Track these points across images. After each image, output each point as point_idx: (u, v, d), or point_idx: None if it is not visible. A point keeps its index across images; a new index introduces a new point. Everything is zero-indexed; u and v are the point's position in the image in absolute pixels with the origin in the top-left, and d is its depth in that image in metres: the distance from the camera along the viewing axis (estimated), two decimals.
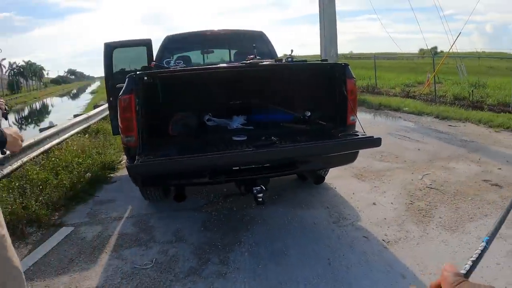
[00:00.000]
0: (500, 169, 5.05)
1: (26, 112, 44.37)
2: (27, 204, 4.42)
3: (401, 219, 3.66)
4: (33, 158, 6.05)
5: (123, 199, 4.72)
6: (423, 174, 4.97)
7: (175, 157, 2.88)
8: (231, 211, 4.03)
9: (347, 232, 3.42)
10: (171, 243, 3.46)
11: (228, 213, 3.99)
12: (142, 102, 3.14)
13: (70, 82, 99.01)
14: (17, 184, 5.01)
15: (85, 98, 43.56)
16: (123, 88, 3.16)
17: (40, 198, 4.63)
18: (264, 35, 5.49)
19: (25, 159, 5.67)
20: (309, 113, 3.69)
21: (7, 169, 5.25)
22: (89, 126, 9.02)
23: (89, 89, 72.57)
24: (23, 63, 78.24)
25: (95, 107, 12.08)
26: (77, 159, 6.04)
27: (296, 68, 3.78)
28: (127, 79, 3.20)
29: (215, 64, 4.75)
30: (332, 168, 4.30)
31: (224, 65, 4.50)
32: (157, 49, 5.42)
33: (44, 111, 40.63)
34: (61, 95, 63.97)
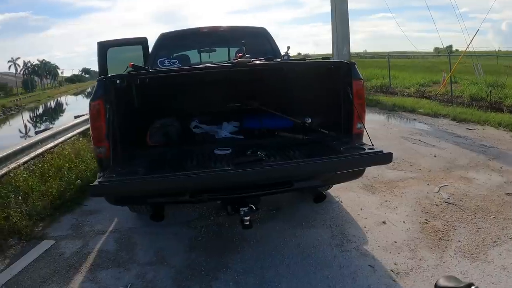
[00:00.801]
0: None
1: (38, 111, 44.99)
2: (9, 214, 4.16)
3: (414, 242, 3.20)
4: (24, 163, 5.80)
5: (111, 210, 4.30)
6: (439, 186, 4.48)
7: (137, 178, 2.45)
8: (222, 227, 3.64)
9: (351, 259, 2.97)
10: (151, 265, 3.09)
11: (219, 230, 3.60)
12: (114, 109, 2.79)
13: (85, 81, 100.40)
14: (1, 192, 4.77)
15: None
16: (93, 93, 2.82)
17: (24, 208, 4.36)
18: (266, 31, 5.08)
19: (13, 164, 5.42)
20: (309, 120, 3.26)
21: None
22: (88, 128, 8.75)
23: None
24: (37, 62, 79.94)
25: None
26: (68, 164, 5.77)
27: (292, 68, 3.33)
28: (96, 83, 2.86)
29: (212, 63, 4.36)
30: None
31: (207, 65, 4.10)
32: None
33: (57, 110, 41.10)
34: (75, 94, 64.69)
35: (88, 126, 8.60)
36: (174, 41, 5.01)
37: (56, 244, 3.75)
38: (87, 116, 9.00)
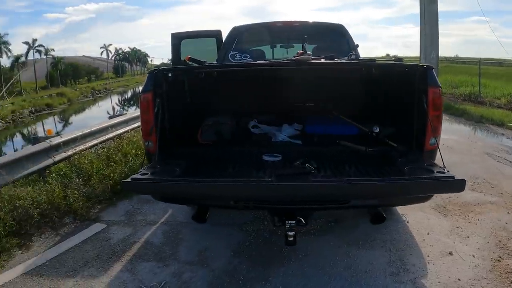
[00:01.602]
0: None
1: (124, 95, 49.34)
2: (68, 194, 4.55)
3: (481, 284, 2.75)
4: (92, 146, 6.33)
5: None
6: None
7: (167, 180, 2.44)
8: (274, 235, 3.46)
9: None
10: (191, 265, 3.06)
11: (269, 237, 3.44)
12: (165, 103, 2.81)
13: None
14: (64, 172, 5.26)
15: None
16: (143, 85, 2.87)
17: (83, 190, 4.67)
18: (343, 28, 4.80)
19: (81, 147, 5.96)
20: (377, 129, 2.98)
21: (60, 156, 5.51)
22: None
23: None
24: (128, 50, 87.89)
25: None
26: (134, 151, 6.14)
27: (359, 69, 3.00)
28: (147, 76, 2.89)
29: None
30: None
31: (265, 61, 3.97)
32: None
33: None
34: None
35: None
36: (246, 35, 4.97)
37: (106, 228, 3.95)
38: None
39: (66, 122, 30.55)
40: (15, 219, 3.93)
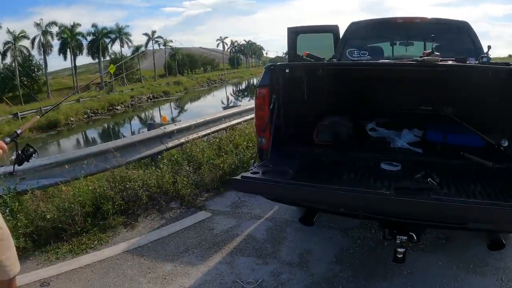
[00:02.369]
0: None
1: (238, 86, 51.62)
2: (178, 180, 4.92)
3: None
4: (204, 135, 6.74)
5: None
6: None
7: (274, 181, 2.48)
8: (380, 245, 3.34)
9: None
10: (291, 266, 3.10)
11: (375, 247, 3.31)
12: (280, 99, 2.89)
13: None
14: (175, 159, 5.67)
15: None
16: (260, 80, 2.96)
17: (192, 177, 5.05)
18: (469, 26, 4.45)
19: (193, 135, 6.38)
20: (506, 143, 2.66)
21: (173, 143, 6.00)
22: None
23: None
24: (244, 42, 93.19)
25: None
26: (246, 143, 6.36)
27: (494, 73, 2.71)
28: (264, 70, 2.98)
29: (406, 59, 4.05)
30: None
31: (387, 61, 3.75)
32: None
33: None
34: None
35: None
36: (364, 31, 4.91)
37: (211, 217, 4.22)
38: None
39: (181, 109, 33.16)
40: (124, 199, 4.39)
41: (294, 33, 5.51)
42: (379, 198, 2.20)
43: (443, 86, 3.15)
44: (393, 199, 2.16)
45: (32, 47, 46.51)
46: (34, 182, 4.52)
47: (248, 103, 9.42)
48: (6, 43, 44.03)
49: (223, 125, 7.39)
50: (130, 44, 56.68)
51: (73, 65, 50.40)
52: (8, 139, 1.98)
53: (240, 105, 9.10)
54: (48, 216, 3.95)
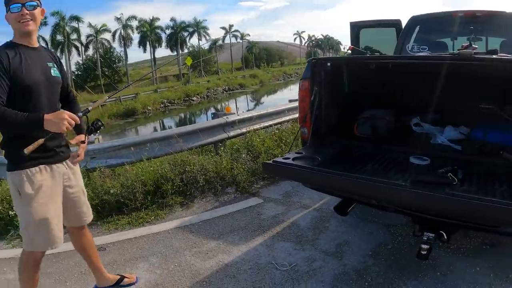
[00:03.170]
0: None
1: None
2: (235, 167, 5.21)
3: None
4: (267, 126, 6.99)
5: None
6: None
7: (298, 166, 2.63)
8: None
9: None
10: (325, 254, 3.24)
11: (415, 245, 3.30)
12: (322, 92, 3.03)
13: None
14: (236, 147, 5.98)
15: None
16: (303, 73, 3.13)
17: (250, 165, 5.32)
18: None
19: (255, 126, 6.65)
20: None
21: (234, 132, 6.34)
22: None
23: None
24: (321, 37, 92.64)
25: None
26: None
27: None
28: (307, 64, 3.15)
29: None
30: None
31: (423, 54, 3.66)
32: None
33: None
34: None
35: None
36: (425, 25, 4.90)
37: (262, 204, 4.45)
38: None
39: (255, 102, 33.66)
40: (183, 181, 4.77)
41: (357, 28, 5.64)
42: (391, 188, 2.26)
43: (485, 81, 3.08)
44: (403, 189, 2.21)
45: (113, 40, 50.36)
46: (103, 161, 5.06)
47: None
48: (88, 36, 47.78)
49: (287, 118, 7.58)
50: (207, 37, 58.79)
51: (152, 57, 53.34)
52: (80, 114, 2.31)
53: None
54: (112, 191, 4.42)
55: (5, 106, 2.07)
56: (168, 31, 54.10)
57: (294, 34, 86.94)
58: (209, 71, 58.86)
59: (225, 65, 66.50)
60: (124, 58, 51.68)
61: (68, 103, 2.61)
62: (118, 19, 49.18)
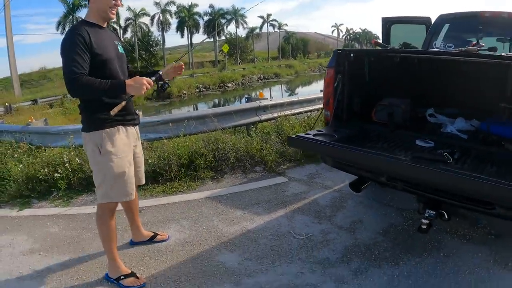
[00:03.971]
0: None
1: None
2: (264, 147, 5.54)
3: None
4: (297, 113, 7.28)
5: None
6: None
7: (317, 141, 2.95)
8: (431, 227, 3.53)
9: None
10: (339, 229, 3.52)
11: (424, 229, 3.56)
12: (345, 79, 3.32)
13: None
14: (267, 130, 6.31)
15: None
16: (329, 62, 3.44)
17: (278, 147, 5.63)
18: None
19: (286, 112, 6.96)
20: None
21: (266, 116, 6.68)
22: None
23: None
24: (359, 30, 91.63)
25: None
26: None
27: None
28: (332, 53, 3.44)
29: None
30: None
31: (435, 49, 3.84)
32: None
33: None
34: None
35: None
36: (452, 24, 5.02)
37: (287, 182, 4.77)
38: None
39: (289, 91, 33.81)
40: (215, 157, 5.15)
41: (388, 23, 5.82)
42: (390, 160, 2.55)
43: (493, 78, 3.25)
44: (402, 163, 2.49)
45: (152, 24, 51.49)
46: (142, 135, 5.46)
47: None
48: (127, 19, 48.93)
49: (317, 106, 7.83)
50: (245, 25, 59.13)
51: (189, 42, 54.13)
52: (153, 78, 2.68)
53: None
54: (149, 161, 4.83)
55: (87, 76, 2.43)
56: (206, 18, 54.78)
57: (332, 26, 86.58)
58: (245, 59, 59.27)
59: (261, 53, 66.68)
60: (161, 42, 52.68)
61: (131, 74, 2.97)
62: (157, 3, 50.16)
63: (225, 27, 57.55)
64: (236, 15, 56.53)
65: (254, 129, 6.43)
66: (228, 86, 34.32)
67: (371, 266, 2.96)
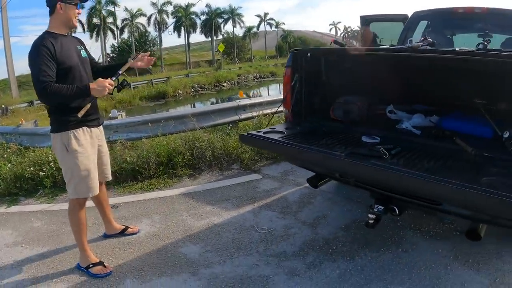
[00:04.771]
0: None
1: None
2: (241, 145, 5.64)
3: None
4: (279, 112, 7.42)
5: None
6: None
7: (262, 137, 3.07)
8: (393, 224, 3.60)
9: None
10: (302, 224, 3.65)
11: (386, 225, 3.58)
12: (302, 78, 3.44)
13: None
14: (246, 129, 6.45)
15: None
16: (287, 61, 3.54)
17: None
18: None
19: (267, 111, 7.10)
20: (507, 134, 2.68)
21: (245, 115, 6.82)
22: None
23: None
24: (357, 28, 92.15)
25: None
26: None
27: (484, 63, 2.67)
28: (290, 53, 3.55)
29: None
30: None
31: (386, 47, 3.91)
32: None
33: None
34: None
35: None
36: (426, 20, 5.10)
37: (260, 179, 4.91)
38: None
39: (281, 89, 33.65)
40: (193, 155, 5.26)
41: (366, 21, 5.92)
42: (328, 156, 2.66)
43: (442, 74, 3.31)
44: (339, 159, 2.58)
45: (148, 24, 51.51)
46: (124, 135, 5.67)
47: None
48: (124, 20, 49.36)
49: None
50: (242, 24, 59.20)
51: (186, 42, 54.26)
52: (114, 78, 2.97)
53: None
54: (129, 160, 5.00)
55: (55, 83, 2.66)
56: (203, 17, 54.90)
57: (330, 24, 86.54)
58: (243, 58, 59.37)
59: (259, 52, 66.82)
60: (158, 42, 52.80)
61: (100, 70, 3.21)
62: (153, 4, 50.34)
63: (222, 26, 57.66)
64: (233, 14, 56.66)
65: (230, 128, 6.58)
66: (223, 86, 34.45)
67: (326, 260, 3.09)
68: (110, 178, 3.40)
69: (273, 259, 3.12)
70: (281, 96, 7.66)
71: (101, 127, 3.18)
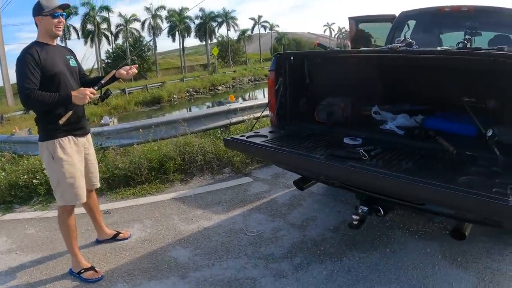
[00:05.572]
0: None
1: None
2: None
3: None
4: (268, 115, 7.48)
5: None
6: None
7: (240, 140, 3.12)
8: (382, 224, 3.65)
9: None
10: (291, 226, 3.69)
11: (375, 225, 3.65)
12: (286, 82, 3.48)
13: None
14: (238, 132, 6.51)
15: None
16: (270, 65, 3.58)
17: None
18: None
19: (259, 114, 7.12)
20: (490, 132, 2.64)
21: (236, 119, 6.86)
22: None
23: None
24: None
25: None
26: None
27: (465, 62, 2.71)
28: (273, 57, 3.58)
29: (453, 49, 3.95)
30: None
31: (367, 48, 3.89)
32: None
33: None
34: None
35: None
36: (414, 20, 5.13)
37: (251, 182, 4.95)
38: None
39: None
40: (184, 160, 5.30)
41: (355, 22, 5.95)
42: (307, 158, 2.68)
43: (426, 74, 3.31)
44: (318, 160, 2.60)
45: (143, 29, 51.62)
46: (116, 141, 5.72)
47: None
48: (118, 25, 49.47)
49: None
50: (236, 27, 59.27)
51: (181, 46, 54.36)
52: (96, 87, 3.00)
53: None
54: (121, 166, 5.04)
55: (38, 91, 2.71)
56: (197, 21, 54.98)
57: (324, 25, 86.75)
58: (238, 61, 59.46)
59: (254, 55, 66.94)
60: (153, 47, 52.87)
61: (87, 82, 3.22)
62: (147, 9, 50.47)
63: (216, 30, 57.79)
64: (227, 17, 56.77)
65: (221, 132, 6.64)
66: (218, 89, 34.57)
67: (313, 261, 3.12)
68: (98, 185, 3.45)
69: (261, 261, 3.16)
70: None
71: (89, 136, 3.23)
